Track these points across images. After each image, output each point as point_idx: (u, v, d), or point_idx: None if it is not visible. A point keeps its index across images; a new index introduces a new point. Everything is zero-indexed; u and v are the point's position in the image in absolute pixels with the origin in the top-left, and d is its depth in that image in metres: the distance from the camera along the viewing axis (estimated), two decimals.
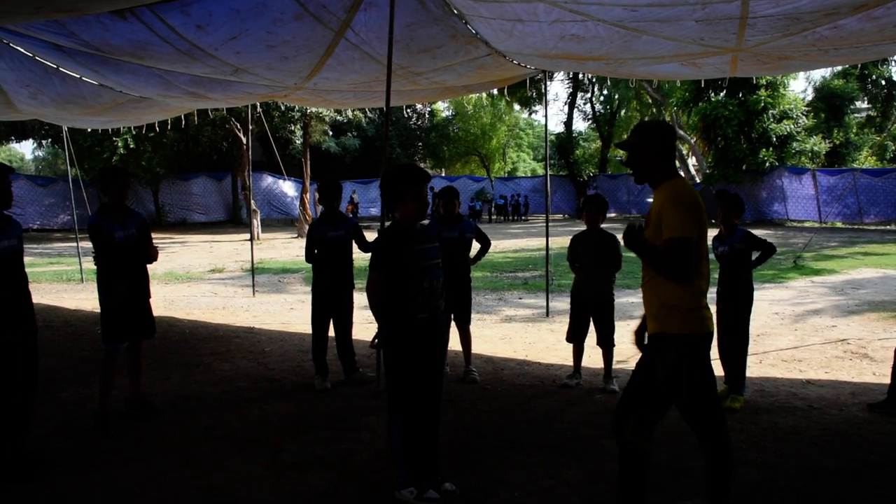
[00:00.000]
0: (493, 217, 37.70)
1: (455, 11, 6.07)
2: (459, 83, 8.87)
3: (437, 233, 4.69)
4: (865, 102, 32.61)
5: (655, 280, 3.38)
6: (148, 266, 5.56)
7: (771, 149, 27.00)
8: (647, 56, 6.91)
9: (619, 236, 3.88)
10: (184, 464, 4.58)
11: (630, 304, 9.53)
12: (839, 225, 25.19)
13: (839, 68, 28.27)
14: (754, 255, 5.83)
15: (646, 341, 3.58)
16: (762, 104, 26.72)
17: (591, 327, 6.29)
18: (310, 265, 6.49)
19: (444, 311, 4.06)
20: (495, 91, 23.26)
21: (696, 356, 3.34)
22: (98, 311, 5.50)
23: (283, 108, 23.82)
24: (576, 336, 6.33)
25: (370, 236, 6.37)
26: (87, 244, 6.70)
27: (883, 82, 30.76)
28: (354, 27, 6.22)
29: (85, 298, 11.51)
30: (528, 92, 32.64)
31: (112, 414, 5.32)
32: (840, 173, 26.82)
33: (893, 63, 29.54)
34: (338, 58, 7.00)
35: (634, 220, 3.63)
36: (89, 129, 15.72)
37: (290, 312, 10.31)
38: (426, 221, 4.29)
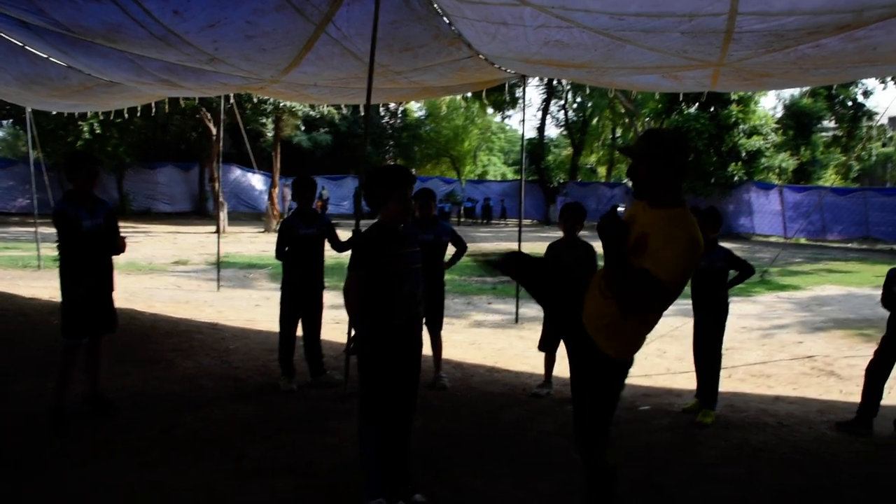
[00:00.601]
0: (462, 219, 37.61)
1: (440, 11, 5.97)
2: (438, 84, 8.77)
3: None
4: (832, 122, 33.24)
5: (602, 286, 3.11)
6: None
7: (740, 163, 27.36)
8: (629, 66, 6.88)
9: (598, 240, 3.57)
10: (141, 466, 4.40)
11: None
12: (803, 241, 25.57)
13: (808, 88, 28.76)
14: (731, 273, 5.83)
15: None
16: (733, 119, 27.06)
17: None
18: (277, 261, 6.33)
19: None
20: (469, 93, 23.23)
21: (614, 379, 3.21)
22: (56, 300, 5.30)
23: (255, 100, 23.49)
24: (548, 345, 6.26)
25: (342, 235, 6.24)
26: (47, 230, 6.52)
27: (850, 103, 31.34)
28: (336, 22, 6.08)
29: (42, 286, 11.16)
30: (504, 96, 32.64)
31: (67, 410, 5.11)
32: (806, 190, 27.26)
33: (860, 85, 30.08)
34: (317, 52, 6.85)
35: (614, 208, 3.35)
36: (54, 112, 15.30)
37: (255, 309, 10.11)
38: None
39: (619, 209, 3.52)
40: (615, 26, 5.48)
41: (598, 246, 6.15)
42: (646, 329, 3.15)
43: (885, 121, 33.97)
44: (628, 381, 3.48)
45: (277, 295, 6.39)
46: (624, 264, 2.98)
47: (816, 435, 5.36)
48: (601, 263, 6.00)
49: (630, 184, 3.31)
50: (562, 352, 6.15)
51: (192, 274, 13.72)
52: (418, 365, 3.96)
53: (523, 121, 10.09)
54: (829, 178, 30.97)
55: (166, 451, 4.65)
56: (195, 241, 20.38)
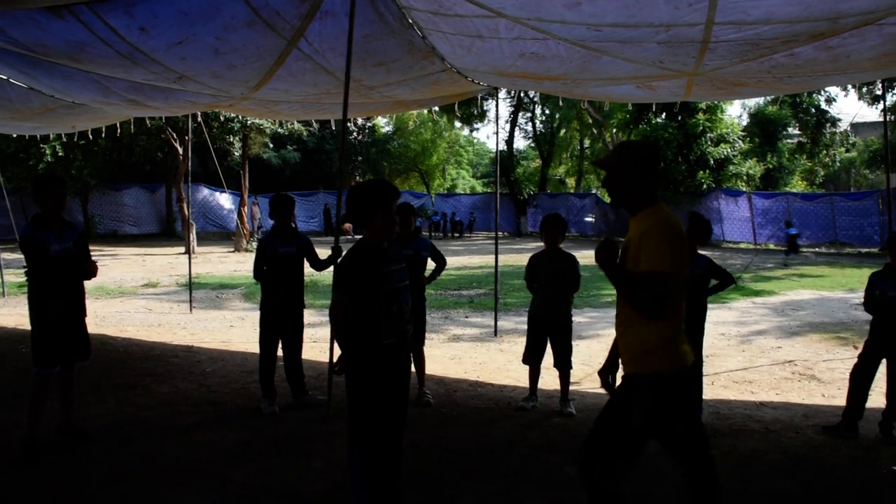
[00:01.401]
0: (432, 234, 37.57)
1: (414, 25, 5.91)
2: (411, 98, 8.71)
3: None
4: (797, 129, 33.78)
5: (630, 315, 3.09)
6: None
7: (708, 171, 27.69)
8: (604, 77, 6.88)
9: (580, 256, 3.57)
10: (121, 499, 4.24)
11: (579, 325, 9.43)
12: (772, 247, 25.90)
13: (773, 96, 29.27)
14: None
15: (615, 382, 3.32)
16: (700, 127, 27.41)
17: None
18: (250, 281, 6.20)
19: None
20: (438, 107, 23.27)
21: (674, 394, 3.06)
22: (22, 327, 5.12)
23: (222, 118, 23.25)
24: (532, 358, 6.20)
25: (321, 252, 6.14)
26: (10, 255, 6.33)
27: (813, 110, 31.84)
28: (308, 37, 6.00)
29: (7, 314, 10.82)
30: (473, 109, 32.75)
31: (41, 442, 4.91)
32: (774, 197, 27.65)
33: (824, 92, 30.62)
34: (288, 68, 6.76)
35: (610, 237, 3.35)
36: (14, 135, 14.95)
37: (230, 330, 9.90)
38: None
39: (620, 239, 3.43)
40: (591, 37, 5.47)
41: (578, 256, 6.15)
42: (678, 328, 3.11)
43: (847, 127, 34.54)
44: (603, 391, 3.42)
45: (252, 315, 6.27)
46: (629, 280, 3.02)
47: (804, 440, 5.36)
48: (584, 274, 6.01)
49: (604, 195, 3.28)
50: (546, 363, 6.14)
51: (164, 296, 13.46)
52: (408, 384, 3.87)
53: (497, 133, 10.08)
54: (796, 184, 31.46)
55: (147, 481, 4.49)
56: (164, 263, 20.04)
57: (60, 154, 25.12)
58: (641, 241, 3.02)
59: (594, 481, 3.10)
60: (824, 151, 32.20)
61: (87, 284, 5.27)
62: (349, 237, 23.91)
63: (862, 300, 5.63)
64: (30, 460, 4.75)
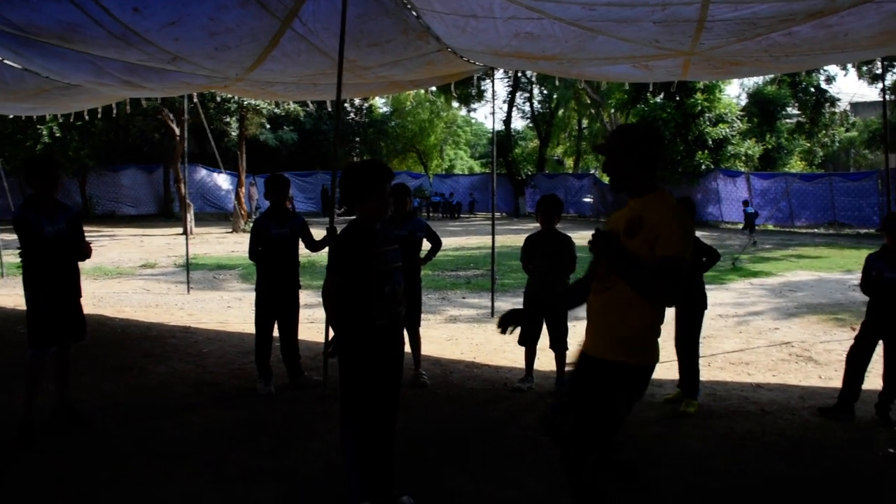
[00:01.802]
0: (431, 214, 37.53)
1: (408, 4, 5.86)
2: (406, 78, 8.66)
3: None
4: (796, 109, 33.65)
5: (620, 296, 2.95)
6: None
7: (706, 151, 27.62)
8: (600, 57, 6.84)
9: (578, 237, 3.49)
10: (118, 479, 4.27)
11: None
12: (771, 228, 25.91)
13: (772, 75, 29.13)
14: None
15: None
16: (699, 107, 27.31)
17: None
18: (247, 261, 6.19)
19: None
20: (435, 87, 23.17)
21: (640, 390, 3.04)
22: (21, 308, 5.10)
23: (218, 99, 23.14)
24: (528, 339, 6.21)
25: (316, 233, 6.13)
26: (8, 236, 6.33)
27: (812, 90, 31.73)
28: (302, 17, 5.94)
29: (6, 295, 10.86)
30: (470, 89, 32.59)
31: (36, 423, 4.92)
32: (773, 177, 27.60)
33: (823, 71, 30.49)
34: (283, 49, 6.70)
35: (600, 226, 3.28)
36: (11, 116, 14.89)
37: (227, 311, 9.91)
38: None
39: (586, 200, 3.38)
40: (586, 17, 5.43)
41: (575, 237, 6.14)
42: (662, 319, 3.04)
43: (847, 106, 34.43)
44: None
45: (249, 296, 6.27)
46: (637, 266, 2.90)
47: (800, 422, 5.38)
48: (580, 255, 6.00)
49: (602, 175, 3.24)
50: (542, 345, 6.16)
51: (161, 277, 13.47)
52: (401, 366, 3.87)
53: (493, 113, 10.01)
54: (795, 165, 31.40)
55: (144, 462, 4.51)
56: (162, 244, 20.02)
57: (58, 135, 25.06)
58: (659, 225, 2.90)
59: (585, 477, 3.04)
60: (823, 131, 32.09)
61: (85, 265, 5.27)
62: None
63: (859, 281, 5.63)
64: (26, 443, 4.76)
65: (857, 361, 5.42)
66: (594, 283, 3.14)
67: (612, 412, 2.98)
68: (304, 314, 6.87)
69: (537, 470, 4.40)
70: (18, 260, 5.06)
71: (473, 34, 6.34)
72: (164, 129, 26.17)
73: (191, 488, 4.13)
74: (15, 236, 4.94)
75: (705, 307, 5.77)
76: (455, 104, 44.63)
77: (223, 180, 33.53)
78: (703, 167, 27.65)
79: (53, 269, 4.93)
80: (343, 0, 5.34)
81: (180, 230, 22.36)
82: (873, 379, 5.63)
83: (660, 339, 3.04)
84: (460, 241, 21.45)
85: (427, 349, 7.06)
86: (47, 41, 6.25)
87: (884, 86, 16.31)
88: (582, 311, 3.21)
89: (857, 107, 40.05)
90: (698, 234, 5.95)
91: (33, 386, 4.91)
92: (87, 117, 11.39)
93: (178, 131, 23.19)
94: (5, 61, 7.29)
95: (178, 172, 24.58)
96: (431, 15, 6.02)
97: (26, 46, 6.48)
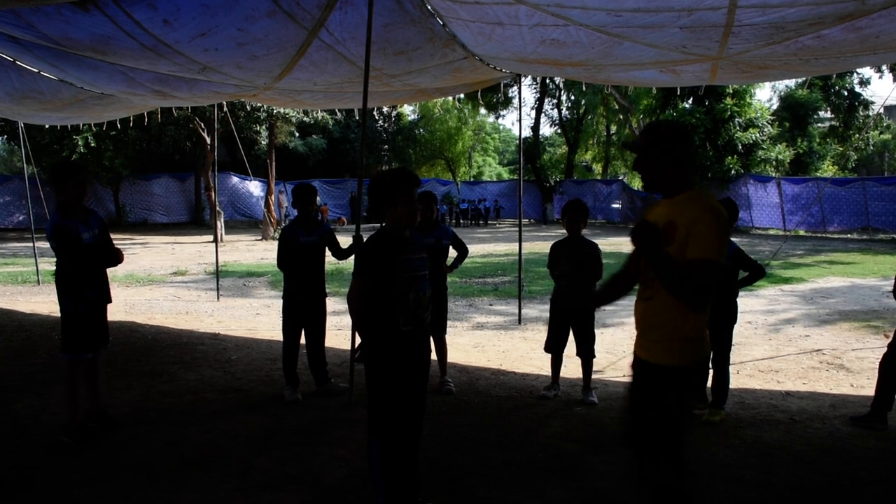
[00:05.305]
0: (459, 222, 37.55)
1: (434, 13, 5.90)
2: (433, 86, 8.70)
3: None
4: (828, 112, 33.13)
5: (664, 301, 2.93)
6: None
7: (736, 157, 27.31)
8: (626, 62, 6.80)
9: (607, 243, 3.46)
10: (148, 483, 4.32)
11: (602, 313, 9.40)
12: (802, 233, 25.52)
13: (804, 79, 28.73)
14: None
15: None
16: (728, 112, 27.04)
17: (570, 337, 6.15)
18: (276, 269, 6.24)
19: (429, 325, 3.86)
20: (462, 94, 23.19)
21: (689, 387, 3.00)
22: (57, 315, 5.19)
23: (248, 107, 23.41)
24: (555, 346, 6.18)
25: (343, 241, 6.17)
26: (44, 244, 6.46)
27: (845, 93, 31.23)
28: (329, 27, 6.01)
29: (41, 301, 11.08)
30: (497, 96, 32.60)
31: (88, 425, 5.03)
32: (804, 182, 27.19)
33: (856, 74, 30.01)
34: (310, 58, 6.78)
35: (647, 220, 3.08)
36: (47, 126, 15.23)
37: (256, 318, 10.01)
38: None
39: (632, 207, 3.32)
40: (612, 23, 5.41)
41: (601, 243, 6.11)
42: (706, 319, 3.00)
43: (881, 109, 33.81)
44: (627, 379, 3.35)
45: (277, 303, 6.32)
46: (673, 266, 2.85)
47: (831, 430, 5.28)
48: (606, 261, 5.97)
49: (631, 181, 3.17)
50: (569, 352, 6.13)
51: (192, 284, 13.63)
52: (427, 372, 3.88)
53: (520, 120, 9.98)
54: (827, 169, 30.92)
55: (172, 467, 4.57)
56: (193, 251, 20.28)
57: (93, 144, 25.54)
58: (693, 227, 2.84)
59: (661, 472, 2.99)
60: (857, 135, 31.55)
61: (117, 272, 5.38)
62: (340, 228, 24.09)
63: (893, 288, 5.51)
64: (88, 443, 4.90)
65: (890, 369, 5.30)
66: (639, 290, 3.13)
67: (667, 413, 2.96)
68: (331, 321, 6.92)
69: (561, 478, 4.38)
70: (53, 268, 5.14)
71: (499, 41, 6.36)
72: (195, 137, 26.51)
73: (217, 495, 4.16)
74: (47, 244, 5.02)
75: (735, 321, 5.65)
76: (483, 111, 44.63)
77: (254, 188, 33.90)
78: (733, 172, 27.34)
79: (92, 275, 5.03)
80: (369, 10, 5.38)
81: (211, 238, 22.62)
82: None
83: None
84: (488, 247, 21.44)
85: (454, 356, 7.07)
86: (82, 53, 6.39)
87: None
88: (609, 317, 3.20)
89: (891, 110, 39.34)
90: (736, 240, 5.86)
91: (74, 391, 5.00)
92: (119, 126, 11.60)
93: (209, 140, 23.50)
94: (42, 73, 7.46)
95: (209, 181, 24.90)
96: (457, 23, 6.05)
97: (62, 59, 6.64)
